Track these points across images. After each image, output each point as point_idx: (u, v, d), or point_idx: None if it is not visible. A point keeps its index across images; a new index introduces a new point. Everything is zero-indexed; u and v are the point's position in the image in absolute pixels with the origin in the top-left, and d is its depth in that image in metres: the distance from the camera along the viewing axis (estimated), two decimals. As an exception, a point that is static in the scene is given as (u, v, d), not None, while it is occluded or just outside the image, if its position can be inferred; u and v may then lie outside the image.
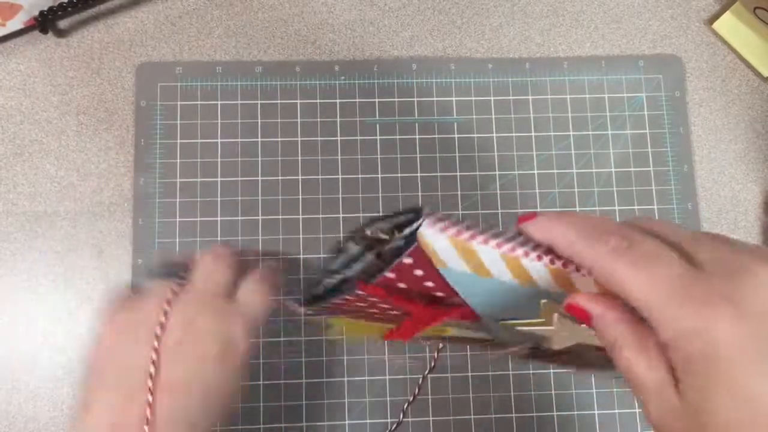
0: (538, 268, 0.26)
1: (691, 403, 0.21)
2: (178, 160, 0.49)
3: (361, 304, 0.31)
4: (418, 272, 0.27)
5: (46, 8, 0.48)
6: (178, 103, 0.49)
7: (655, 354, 0.23)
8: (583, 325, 0.28)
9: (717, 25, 0.53)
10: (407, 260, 0.26)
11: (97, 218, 0.48)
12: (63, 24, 0.51)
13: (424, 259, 0.26)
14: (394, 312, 0.32)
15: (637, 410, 0.47)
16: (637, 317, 0.23)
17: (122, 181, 0.49)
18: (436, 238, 0.25)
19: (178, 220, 0.48)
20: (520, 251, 0.25)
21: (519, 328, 0.31)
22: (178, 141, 0.49)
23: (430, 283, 0.28)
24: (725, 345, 0.21)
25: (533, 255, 0.25)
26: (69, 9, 0.49)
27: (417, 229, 0.25)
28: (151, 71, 0.50)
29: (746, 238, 0.51)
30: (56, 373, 0.46)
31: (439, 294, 0.29)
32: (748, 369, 0.21)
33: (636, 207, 0.50)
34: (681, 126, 0.51)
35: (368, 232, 0.27)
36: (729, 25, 0.53)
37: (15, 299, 0.47)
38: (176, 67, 0.50)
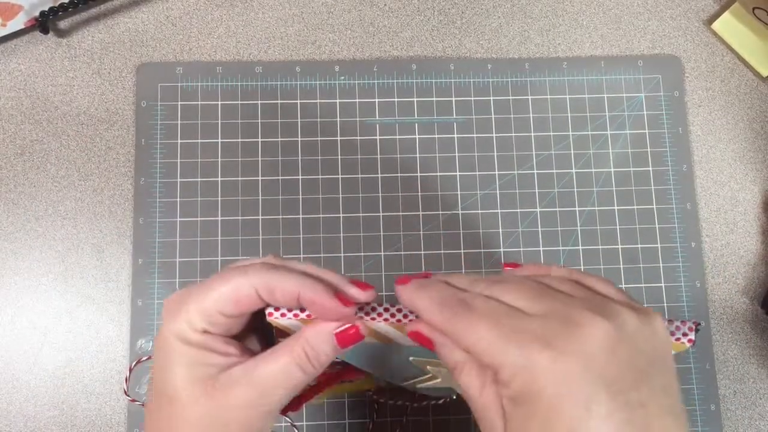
0: (384, 327, 0.29)
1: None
2: (179, 160, 0.49)
3: None
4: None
5: (46, 8, 0.48)
6: (179, 103, 0.50)
7: (489, 381, 0.26)
8: None
9: (716, 26, 0.53)
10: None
11: (97, 218, 0.48)
12: (63, 24, 0.51)
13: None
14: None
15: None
16: None
17: (123, 180, 0.49)
18: (281, 320, 0.29)
19: (178, 219, 0.48)
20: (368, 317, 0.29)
21: (419, 386, 0.35)
22: (179, 141, 0.49)
23: None
24: (544, 380, 0.23)
25: (374, 316, 0.29)
26: (69, 9, 0.49)
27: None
28: (152, 71, 0.50)
29: (745, 237, 0.51)
30: (56, 373, 0.46)
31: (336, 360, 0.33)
32: (564, 404, 0.23)
33: (635, 207, 0.50)
34: (680, 126, 0.52)
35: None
36: (728, 25, 0.53)
37: (15, 299, 0.47)
38: (177, 67, 0.50)
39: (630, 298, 0.27)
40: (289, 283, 0.27)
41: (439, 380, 0.35)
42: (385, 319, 0.29)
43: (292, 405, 0.38)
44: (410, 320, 0.29)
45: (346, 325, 0.28)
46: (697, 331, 0.29)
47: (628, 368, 0.23)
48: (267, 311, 0.28)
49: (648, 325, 0.25)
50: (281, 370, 0.27)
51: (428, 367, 0.33)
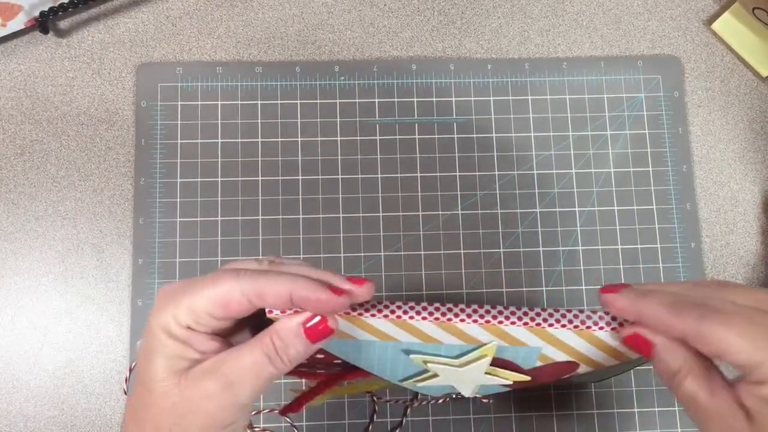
0: (383, 323, 0.30)
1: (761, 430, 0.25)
2: (179, 160, 0.49)
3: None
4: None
5: (46, 9, 0.48)
6: (179, 103, 0.50)
7: (719, 385, 0.26)
8: (467, 367, 0.32)
9: (716, 26, 0.53)
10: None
11: (97, 218, 0.48)
12: (63, 24, 0.51)
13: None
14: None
15: (636, 410, 0.47)
16: (693, 348, 0.27)
17: (123, 181, 0.49)
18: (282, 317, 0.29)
19: (178, 220, 0.48)
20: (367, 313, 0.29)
21: (419, 385, 0.35)
22: (179, 141, 0.49)
23: (320, 355, 0.32)
24: None
25: (374, 312, 0.29)
26: (69, 9, 0.49)
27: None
28: (152, 71, 0.50)
29: (745, 238, 0.51)
30: (56, 373, 0.46)
31: (336, 362, 0.34)
32: None
33: (635, 207, 0.50)
34: (680, 126, 0.52)
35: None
36: (728, 25, 0.53)
37: (15, 299, 0.47)
38: (177, 68, 0.50)
39: None
40: (280, 286, 0.27)
41: (439, 378, 0.35)
42: (385, 316, 0.29)
43: (293, 406, 0.38)
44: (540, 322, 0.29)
45: (316, 320, 0.28)
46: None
47: None
48: (267, 309, 0.28)
49: None
50: (250, 363, 0.27)
51: (429, 364, 0.33)
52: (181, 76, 0.50)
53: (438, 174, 0.50)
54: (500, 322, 0.29)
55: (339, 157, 0.50)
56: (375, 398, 0.44)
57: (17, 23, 0.49)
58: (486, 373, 0.33)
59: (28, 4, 0.49)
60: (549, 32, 0.53)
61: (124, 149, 0.49)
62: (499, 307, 0.29)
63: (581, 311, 0.29)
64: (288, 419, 0.46)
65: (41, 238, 0.48)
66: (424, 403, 0.45)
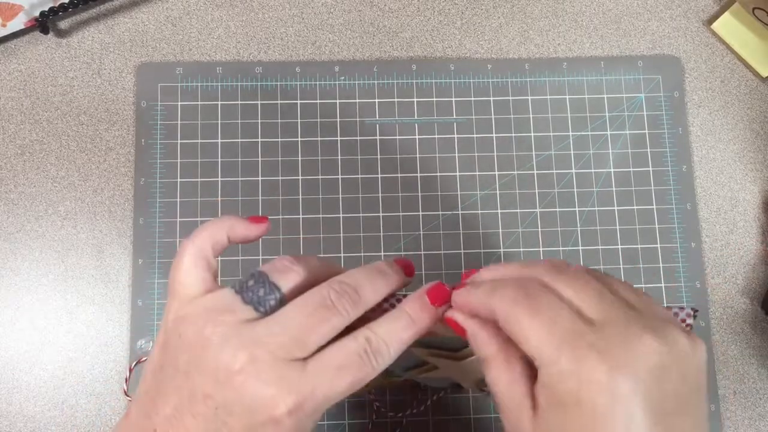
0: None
1: (544, 427, 0.24)
2: (179, 160, 0.49)
3: None
4: None
5: (46, 9, 0.48)
6: (179, 103, 0.50)
7: (519, 376, 0.26)
8: (466, 361, 0.32)
9: (716, 26, 0.53)
10: None
11: (97, 218, 0.48)
12: (63, 24, 0.51)
13: None
14: None
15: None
16: (505, 338, 0.27)
17: (123, 181, 0.49)
18: None
19: (178, 220, 0.48)
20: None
21: (420, 376, 0.35)
22: (179, 141, 0.49)
23: None
24: (594, 392, 0.23)
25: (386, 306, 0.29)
26: (69, 9, 0.49)
27: None
28: (152, 71, 0.50)
29: (745, 238, 0.51)
30: (56, 373, 0.46)
31: None
32: (608, 419, 0.23)
33: (635, 207, 0.50)
34: (680, 126, 0.52)
35: None
36: (728, 25, 0.53)
37: (15, 299, 0.47)
38: (177, 68, 0.50)
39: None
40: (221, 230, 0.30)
41: (439, 370, 0.35)
42: (391, 305, 0.29)
43: None
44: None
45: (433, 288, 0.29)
46: (694, 317, 0.29)
47: (674, 394, 0.24)
48: None
49: (695, 352, 0.25)
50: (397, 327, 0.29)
51: (430, 357, 0.33)
52: (181, 76, 0.50)
53: (438, 174, 0.50)
54: None
55: (339, 157, 0.50)
56: (373, 398, 0.44)
57: (17, 23, 0.49)
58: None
59: (28, 4, 0.49)
60: (549, 32, 0.53)
61: (124, 149, 0.49)
62: None
63: None
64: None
65: (41, 238, 0.48)
66: (422, 408, 0.45)
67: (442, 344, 0.32)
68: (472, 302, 0.28)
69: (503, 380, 0.26)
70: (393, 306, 0.29)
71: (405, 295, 0.29)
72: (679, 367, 0.24)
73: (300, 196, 0.49)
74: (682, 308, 0.29)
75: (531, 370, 0.26)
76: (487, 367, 0.27)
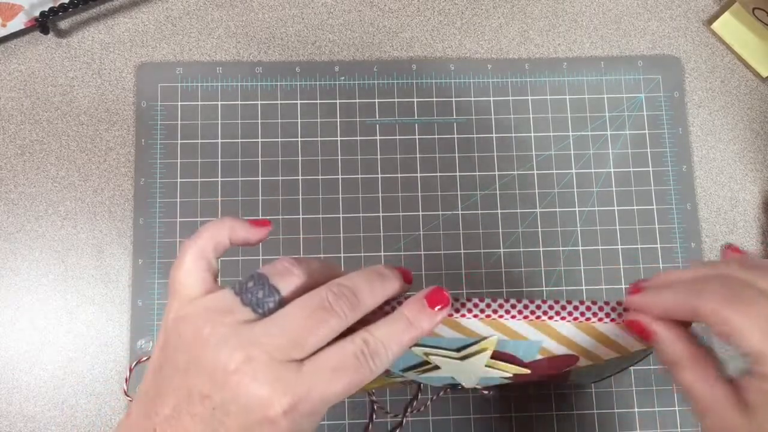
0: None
1: (760, 424, 0.25)
2: (179, 161, 0.49)
3: None
4: None
5: (46, 9, 0.48)
6: (179, 103, 0.50)
7: (717, 377, 0.27)
8: (468, 360, 0.32)
9: (716, 26, 0.53)
10: None
11: (97, 218, 0.48)
12: (63, 24, 0.51)
13: None
14: None
15: (636, 410, 0.47)
16: (694, 339, 0.27)
17: (123, 181, 0.49)
18: None
19: (178, 220, 0.48)
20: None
21: (421, 376, 0.35)
22: (179, 141, 0.49)
23: None
24: None
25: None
26: (69, 9, 0.49)
27: None
28: (152, 71, 0.50)
29: (745, 238, 0.51)
30: (56, 373, 0.46)
31: None
32: None
33: (635, 207, 0.50)
34: (680, 126, 0.52)
35: None
36: (728, 25, 0.53)
37: (15, 299, 0.47)
38: (177, 68, 0.50)
39: None
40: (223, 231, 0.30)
41: (440, 370, 0.35)
42: (393, 308, 0.29)
43: None
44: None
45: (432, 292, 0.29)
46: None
47: None
48: None
49: None
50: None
51: (430, 356, 0.33)
52: (181, 76, 0.50)
53: (438, 174, 0.50)
54: (500, 317, 0.29)
55: (339, 157, 0.50)
56: (373, 398, 0.44)
57: (17, 23, 0.49)
58: (486, 365, 0.33)
59: (28, 4, 0.49)
60: (549, 32, 0.53)
61: (124, 149, 0.49)
62: (500, 300, 0.29)
63: (582, 302, 0.29)
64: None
65: (41, 238, 0.48)
66: (422, 408, 0.45)
67: (442, 344, 0.32)
68: (668, 303, 0.28)
69: (703, 384, 0.27)
70: (393, 309, 0.29)
71: (408, 297, 0.29)
72: None
73: (300, 196, 0.49)
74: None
75: (720, 369, 0.27)
76: (680, 369, 0.27)
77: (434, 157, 0.50)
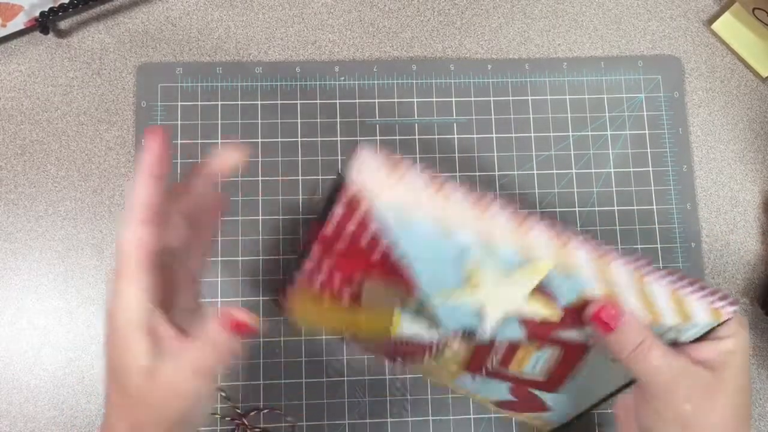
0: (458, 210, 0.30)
1: (725, 379, 0.31)
2: (179, 161, 0.49)
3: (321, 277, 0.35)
4: (351, 227, 0.31)
5: (46, 9, 0.48)
6: (179, 103, 0.50)
7: (672, 350, 0.32)
8: (514, 280, 0.32)
9: (716, 26, 0.53)
10: (339, 210, 0.31)
11: (97, 218, 0.48)
12: (63, 25, 0.51)
13: (354, 206, 0.30)
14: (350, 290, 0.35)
15: (636, 410, 0.47)
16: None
17: (123, 181, 0.49)
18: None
19: (178, 220, 0.48)
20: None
21: (447, 302, 0.34)
22: (179, 141, 0.49)
23: (364, 241, 0.31)
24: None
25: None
26: (69, 10, 0.49)
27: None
28: (152, 72, 0.50)
29: (745, 238, 0.51)
30: (56, 373, 0.46)
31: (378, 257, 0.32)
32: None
33: (635, 207, 0.50)
34: (680, 126, 0.52)
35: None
36: (728, 25, 0.53)
37: (15, 299, 0.47)
38: (177, 68, 0.50)
39: None
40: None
41: (478, 291, 0.33)
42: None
43: (283, 293, 0.39)
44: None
45: (235, 319, 0.30)
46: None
47: None
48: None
49: None
50: (202, 354, 0.30)
51: (477, 271, 0.32)
52: (181, 76, 0.50)
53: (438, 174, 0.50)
54: (571, 246, 0.30)
55: (339, 157, 0.50)
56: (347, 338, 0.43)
57: (17, 23, 0.49)
58: (527, 296, 0.32)
59: (28, 5, 0.49)
60: (549, 32, 0.53)
61: (124, 149, 0.49)
62: (573, 230, 0.31)
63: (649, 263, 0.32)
64: (289, 419, 0.46)
65: (41, 238, 0.48)
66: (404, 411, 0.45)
67: (498, 255, 0.31)
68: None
69: (670, 356, 0.31)
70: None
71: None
72: None
73: (300, 197, 0.49)
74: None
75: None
76: (644, 350, 0.31)
77: (434, 158, 0.50)
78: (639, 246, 0.49)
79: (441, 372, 0.41)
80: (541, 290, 0.32)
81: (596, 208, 0.50)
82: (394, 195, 0.30)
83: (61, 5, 0.49)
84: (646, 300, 0.31)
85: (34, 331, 0.46)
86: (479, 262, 0.31)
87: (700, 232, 0.50)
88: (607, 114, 0.51)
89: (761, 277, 0.50)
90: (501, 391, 0.40)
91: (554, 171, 0.50)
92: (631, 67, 0.52)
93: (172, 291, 0.33)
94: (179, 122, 0.49)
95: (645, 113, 0.52)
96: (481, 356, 0.37)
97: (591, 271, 0.31)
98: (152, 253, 0.30)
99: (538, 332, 0.35)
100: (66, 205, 0.48)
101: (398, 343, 0.38)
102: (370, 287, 0.34)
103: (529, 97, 0.51)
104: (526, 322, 0.34)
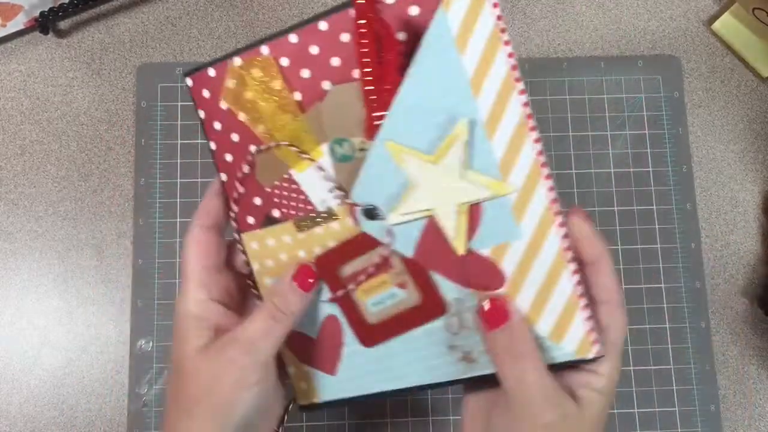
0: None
1: (590, 415, 0.29)
2: (179, 161, 0.49)
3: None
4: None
5: (46, 9, 0.48)
6: (179, 103, 0.50)
7: (545, 367, 0.30)
8: (443, 162, 0.29)
9: (716, 26, 0.53)
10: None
11: (97, 218, 0.48)
12: (63, 25, 0.51)
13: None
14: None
15: (636, 410, 0.47)
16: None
17: (123, 181, 0.49)
18: None
19: (178, 220, 0.48)
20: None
21: (399, 217, 0.30)
22: (179, 141, 0.49)
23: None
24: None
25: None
26: (69, 10, 0.49)
27: None
28: (152, 72, 0.50)
29: (745, 238, 0.51)
30: (56, 373, 0.46)
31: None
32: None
33: (635, 207, 0.50)
34: (680, 126, 0.52)
35: None
36: (728, 25, 0.53)
37: (15, 299, 0.47)
38: (177, 68, 0.50)
39: None
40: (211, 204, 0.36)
41: (419, 191, 0.29)
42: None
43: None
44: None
45: (298, 270, 0.32)
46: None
47: None
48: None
49: None
50: (261, 326, 0.31)
51: (404, 161, 0.28)
52: (181, 77, 0.50)
53: (438, 174, 0.50)
54: (544, 182, 0.31)
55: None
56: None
57: (17, 23, 0.49)
58: (459, 205, 0.29)
59: (28, 5, 0.49)
60: (549, 32, 0.53)
61: (124, 149, 0.49)
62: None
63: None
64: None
65: (41, 238, 0.48)
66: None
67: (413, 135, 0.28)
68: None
69: (543, 372, 0.29)
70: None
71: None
72: None
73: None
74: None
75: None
76: (522, 361, 0.29)
77: (434, 157, 0.50)
78: (639, 246, 0.49)
79: (277, 253, 0.33)
80: (473, 213, 0.29)
81: (596, 208, 0.50)
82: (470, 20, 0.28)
83: (61, 5, 0.49)
84: (544, 293, 0.29)
85: (33, 332, 0.46)
86: (463, 141, 0.28)
87: (700, 232, 0.50)
88: (606, 114, 0.51)
89: (761, 277, 0.50)
90: (319, 314, 0.34)
91: (554, 171, 0.50)
92: (630, 67, 0.52)
93: (244, 297, 0.35)
94: (179, 122, 0.49)
95: (645, 113, 0.52)
96: (346, 253, 0.32)
97: (531, 223, 0.29)
98: (211, 254, 0.33)
99: (421, 259, 0.30)
100: (66, 205, 0.48)
101: (280, 187, 0.33)
102: (339, 91, 0.30)
103: (529, 97, 0.51)
104: (425, 239, 0.30)
